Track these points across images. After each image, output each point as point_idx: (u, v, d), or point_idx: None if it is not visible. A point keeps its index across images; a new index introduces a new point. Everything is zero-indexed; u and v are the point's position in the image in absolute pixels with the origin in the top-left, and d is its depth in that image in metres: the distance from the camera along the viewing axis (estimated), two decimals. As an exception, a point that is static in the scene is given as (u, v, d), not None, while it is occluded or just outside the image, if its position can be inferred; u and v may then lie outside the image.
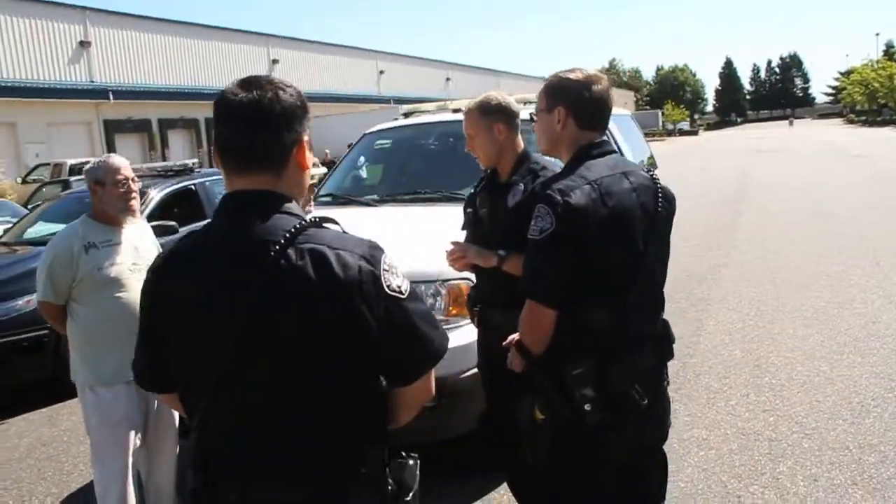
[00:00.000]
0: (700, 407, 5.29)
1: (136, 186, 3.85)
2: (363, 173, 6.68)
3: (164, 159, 33.74)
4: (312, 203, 3.37)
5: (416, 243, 4.28)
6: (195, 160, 9.64)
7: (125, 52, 34.18)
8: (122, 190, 3.77)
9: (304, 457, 1.66)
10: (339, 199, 6.00)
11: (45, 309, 3.78)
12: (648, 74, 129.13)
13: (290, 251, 1.59)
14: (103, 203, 3.85)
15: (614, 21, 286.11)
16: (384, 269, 1.63)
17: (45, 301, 3.73)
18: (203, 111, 35.83)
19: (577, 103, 2.50)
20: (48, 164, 24.60)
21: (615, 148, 2.58)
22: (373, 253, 1.65)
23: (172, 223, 7.43)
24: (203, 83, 36.87)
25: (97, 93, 32.15)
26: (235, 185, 1.68)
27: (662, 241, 2.51)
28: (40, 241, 7.35)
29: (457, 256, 3.35)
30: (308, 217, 1.67)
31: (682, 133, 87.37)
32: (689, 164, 31.51)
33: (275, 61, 41.58)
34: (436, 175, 6.06)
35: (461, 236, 3.52)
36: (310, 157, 1.77)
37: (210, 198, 8.62)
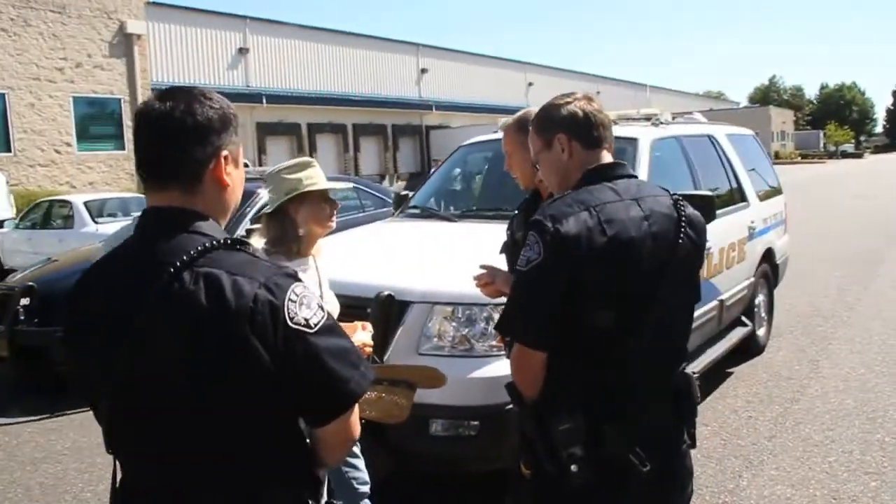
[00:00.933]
0: (792, 461, 4.77)
1: None
2: (455, 186, 6.56)
3: (356, 162, 34.99)
4: (333, 220, 3.22)
5: (476, 263, 4.08)
6: None
7: (279, 58, 35.63)
8: None
9: (196, 497, 1.56)
10: (422, 213, 5.87)
11: None
12: (811, 92, 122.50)
13: (186, 274, 1.48)
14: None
15: (776, 36, 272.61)
16: (289, 300, 1.49)
17: None
18: (351, 117, 36.82)
19: (575, 124, 2.24)
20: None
21: (629, 171, 2.27)
22: (277, 281, 1.51)
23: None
24: (352, 90, 37.90)
25: (252, 97, 33.58)
26: (150, 200, 1.61)
27: (684, 280, 2.17)
28: None
29: (484, 282, 3.11)
30: (222, 238, 1.55)
31: (845, 155, 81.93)
32: (846, 189, 29.45)
33: (423, 70, 42.20)
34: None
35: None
36: (235, 173, 1.65)
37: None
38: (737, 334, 6.40)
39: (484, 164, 6.54)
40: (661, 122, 5.97)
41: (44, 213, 13.24)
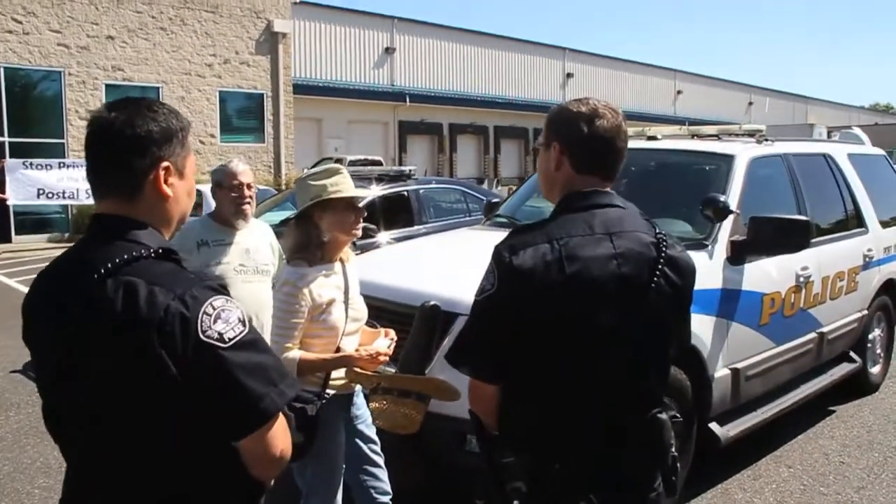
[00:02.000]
0: (878, 517, 4.34)
1: (250, 193, 3.98)
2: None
3: (451, 163, 35.35)
4: (359, 228, 3.20)
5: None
6: (413, 167, 9.84)
7: (424, 58, 36.10)
8: (234, 195, 3.98)
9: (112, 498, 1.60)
10: (507, 223, 5.74)
11: None
12: None
13: (109, 282, 1.51)
14: (220, 204, 4.05)
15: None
16: (204, 313, 1.50)
17: None
18: (492, 119, 36.89)
19: (574, 140, 2.05)
20: (330, 158, 26.61)
21: (612, 200, 2.07)
22: (195, 293, 1.51)
23: (371, 226, 7.60)
24: (495, 92, 37.93)
25: (396, 95, 34.24)
26: (96, 207, 1.66)
27: (658, 323, 1.98)
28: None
29: None
30: (156, 247, 1.58)
31: None
32: None
33: (569, 75, 41.70)
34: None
35: None
36: (179, 184, 1.68)
37: (423, 206, 8.75)
38: (840, 370, 5.91)
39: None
40: (767, 140, 5.58)
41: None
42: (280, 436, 1.60)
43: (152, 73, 19.86)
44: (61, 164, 15.07)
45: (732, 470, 4.86)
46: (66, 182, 14.79)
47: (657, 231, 2.03)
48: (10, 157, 15.75)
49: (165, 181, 1.63)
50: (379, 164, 25.00)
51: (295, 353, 3.01)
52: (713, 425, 4.54)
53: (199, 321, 1.48)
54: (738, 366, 4.65)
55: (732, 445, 4.61)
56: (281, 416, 1.61)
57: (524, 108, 37.85)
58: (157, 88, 19.98)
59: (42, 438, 5.52)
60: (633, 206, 2.11)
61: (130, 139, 1.59)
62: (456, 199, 9.49)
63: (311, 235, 3.08)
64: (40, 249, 16.89)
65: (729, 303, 4.57)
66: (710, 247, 4.59)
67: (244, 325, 1.54)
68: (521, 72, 39.61)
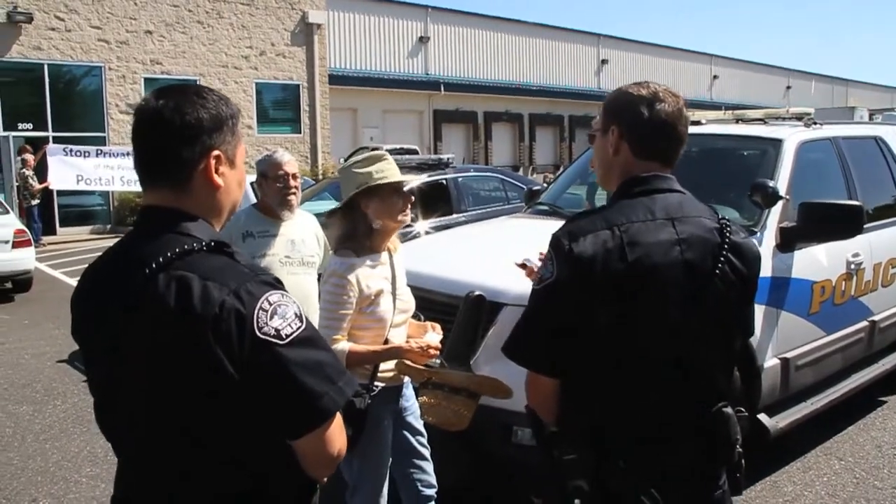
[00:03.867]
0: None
1: (296, 183, 3.96)
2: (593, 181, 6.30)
3: (486, 151, 35.24)
4: (407, 214, 3.15)
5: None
6: (451, 155, 9.79)
7: (458, 47, 35.94)
8: (279, 185, 3.95)
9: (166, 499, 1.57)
10: (548, 210, 5.68)
11: None
12: None
13: (161, 276, 1.47)
14: (265, 195, 4.04)
15: None
16: (260, 309, 1.45)
17: None
18: (528, 107, 36.69)
19: (634, 124, 1.98)
20: (366, 147, 26.61)
21: (672, 185, 2.01)
22: (250, 288, 1.46)
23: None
24: (530, 80, 37.70)
25: (430, 84, 34.15)
26: (145, 198, 1.61)
27: (723, 313, 1.91)
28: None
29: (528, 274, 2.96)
30: (208, 240, 1.53)
31: None
32: None
33: (604, 62, 41.29)
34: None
35: None
36: (230, 173, 1.63)
37: (461, 194, 8.69)
38: (892, 360, 5.74)
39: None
40: (815, 123, 5.44)
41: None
42: (338, 435, 1.56)
43: (189, 65, 20.02)
44: (98, 152, 15.22)
45: (782, 462, 4.77)
46: (102, 170, 14.92)
47: (720, 217, 1.96)
48: (54, 150, 16.00)
49: (216, 171, 1.58)
50: (415, 152, 24.87)
51: (344, 345, 2.97)
52: (762, 416, 4.44)
53: (255, 317, 1.44)
54: (788, 355, 4.54)
55: (782, 437, 4.51)
56: (338, 415, 1.56)
57: (559, 95, 37.59)
58: (195, 81, 20.15)
59: (88, 427, 5.60)
60: (690, 194, 2.05)
61: (180, 128, 1.54)
62: (494, 186, 9.41)
63: (358, 224, 3.04)
64: (83, 241, 17.17)
65: (778, 291, 4.47)
66: (758, 234, 4.48)
67: (301, 321, 1.49)
68: (555, 59, 39.30)
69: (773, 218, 4.55)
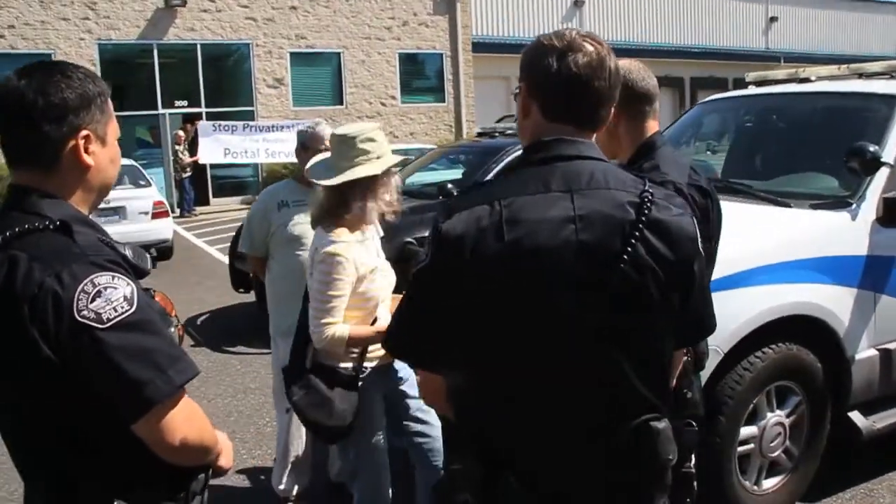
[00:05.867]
0: None
1: None
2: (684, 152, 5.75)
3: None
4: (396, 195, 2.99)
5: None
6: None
7: (616, 9, 34.84)
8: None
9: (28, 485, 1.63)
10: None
11: (250, 260, 4.16)
12: None
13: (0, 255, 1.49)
14: (304, 166, 4.00)
15: None
16: (82, 291, 1.43)
17: (247, 252, 4.07)
18: (689, 70, 35.05)
19: (540, 80, 1.66)
20: (511, 115, 26.19)
21: (588, 153, 1.65)
22: (75, 270, 1.47)
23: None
24: (691, 41, 35.97)
25: (585, 50, 33.35)
26: (12, 177, 1.63)
27: (631, 305, 1.56)
28: (416, 192, 7.73)
29: None
30: (56, 220, 1.52)
31: None
32: None
33: (773, 19, 38.69)
34: (766, 164, 4.99)
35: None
36: (101, 151, 1.64)
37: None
38: None
39: (724, 127, 5.70)
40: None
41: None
42: (179, 424, 1.53)
43: (333, 39, 20.40)
44: (245, 126, 15.78)
45: (879, 469, 4.16)
46: (248, 143, 15.49)
47: (645, 188, 1.60)
48: (206, 125, 16.82)
49: (86, 150, 1.59)
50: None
51: (343, 329, 2.85)
52: (854, 415, 3.88)
53: (75, 300, 1.42)
54: (890, 346, 3.93)
55: (879, 440, 3.93)
56: (186, 403, 1.55)
57: (722, 57, 35.56)
58: (339, 54, 20.54)
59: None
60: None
61: (43, 109, 1.53)
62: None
63: (355, 201, 2.85)
64: (234, 211, 17.95)
65: (877, 272, 3.87)
66: (854, 206, 3.90)
67: (131, 305, 1.46)
68: (718, 18, 37.20)
69: (875, 187, 3.93)
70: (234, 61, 20.07)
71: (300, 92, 20.19)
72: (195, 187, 18.02)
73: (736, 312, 3.39)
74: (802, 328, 3.63)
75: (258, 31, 19.44)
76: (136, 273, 1.63)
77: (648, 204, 1.56)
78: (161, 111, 18.39)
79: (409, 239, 3.82)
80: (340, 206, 2.87)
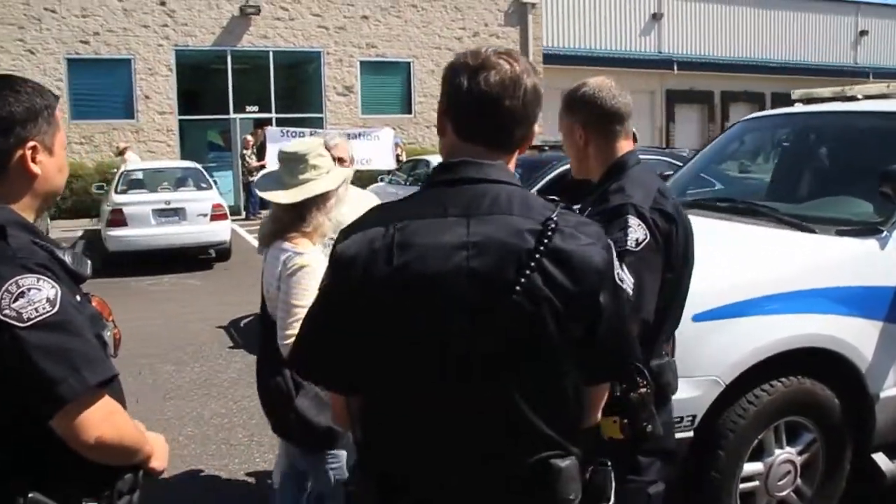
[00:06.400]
0: None
1: (343, 167, 3.93)
2: (726, 171, 5.57)
3: (722, 131, 33.26)
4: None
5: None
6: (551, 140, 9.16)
7: (695, 22, 34.15)
8: None
9: None
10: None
11: None
12: None
13: None
14: None
15: None
16: (6, 291, 1.52)
17: None
18: (770, 85, 34.07)
19: (454, 100, 1.62)
20: (304, 132, 25.85)
21: (495, 175, 1.58)
22: (2, 272, 1.54)
23: (555, 199, 7.14)
24: (772, 56, 35.01)
25: (663, 63, 32.84)
26: None
27: (527, 338, 1.49)
28: None
29: None
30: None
31: None
32: None
33: (862, 32, 37.36)
34: (803, 186, 4.78)
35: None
36: (48, 161, 1.73)
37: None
38: None
39: (762, 146, 5.48)
40: None
41: (410, 169, 14.29)
42: (95, 423, 1.59)
43: (404, 48, 20.60)
44: (312, 133, 15.97)
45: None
46: None
47: (551, 215, 1.51)
48: (276, 133, 17.18)
49: (33, 160, 1.69)
50: (632, 135, 24.12)
51: None
52: (878, 457, 3.65)
53: None
54: (921, 385, 3.68)
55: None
56: (104, 403, 1.61)
57: (805, 73, 34.41)
58: (409, 63, 20.73)
59: (209, 391, 5.91)
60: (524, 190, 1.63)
61: None
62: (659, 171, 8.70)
63: (316, 214, 2.90)
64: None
65: (906, 305, 3.63)
66: (885, 233, 3.66)
67: (53, 307, 1.54)
68: (802, 32, 36.06)
69: (909, 214, 3.70)
70: (305, 69, 20.49)
71: (369, 100, 20.45)
72: (261, 191, 18.40)
73: (739, 342, 3.23)
74: (819, 362, 3.44)
75: (329, 40, 19.78)
76: (74, 278, 1.72)
77: (549, 232, 1.48)
78: (232, 116, 18.87)
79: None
80: (297, 221, 2.90)
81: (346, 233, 1.58)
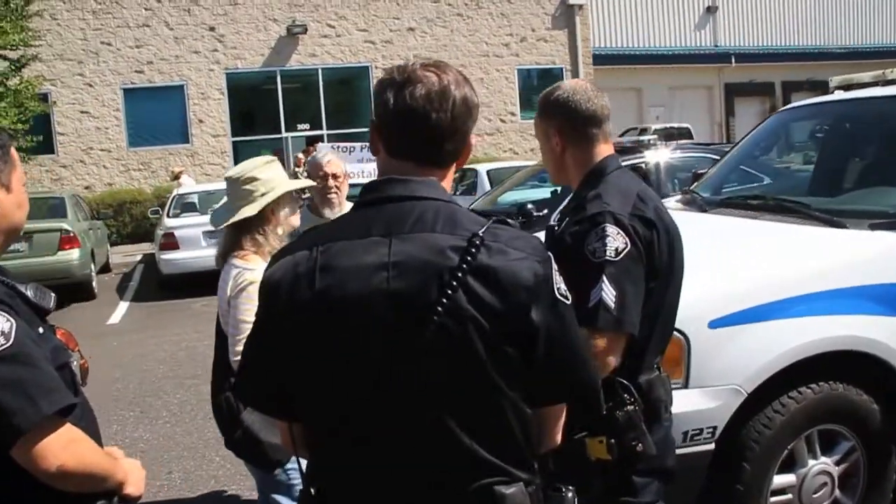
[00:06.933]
0: None
1: (336, 183, 3.97)
2: (764, 164, 5.33)
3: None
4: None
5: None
6: (653, 137, 8.92)
7: (751, 12, 33.36)
8: (320, 185, 3.91)
9: None
10: (694, 200, 4.84)
11: None
12: None
13: None
14: (313, 195, 4.07)
15: None
16: None
17: None
18: (835, 72, 32.18)
19: (382, 117, 1.57)
20: (646, 128, 25.48)
21: (421, 193, 1.50)
22: None
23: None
24: (836, 42, 33.99)
25: (720, 57, 32.17)
26: None
27: (451, 358, 1.41)
28: (500, 213, 7.62)
29: None
30: None
31: None
32: None
33: (933, 12, 35.93)
34: (839, 178, 4.55)
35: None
36: (6, 199, 1.76)
37: (661, 178, 7.94)
38: None
39: (800, 137, 5.24)
40: None
41: (459, 179, 14.21)
42: (55, 451, 1.62)
43: (451, 57, 20.54)
44: (363, 147, 15.99)
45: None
46: (364, 164, 15.71)
47: (479, 231, 1.43)
48: (327, 149, 17.34)
49: None
50: (687, 131, 23.64)
51: None
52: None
53: None
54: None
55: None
56: (65, 431, 1.64)
57: (873, 56, 33.26)
58: (457, 72, 20.72)
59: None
60: (458, 205, 1.55)
61: None
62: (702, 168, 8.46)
63: (267, 230, 2.92)
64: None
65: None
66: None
67: (7, 340, 1.58)
68: (869, 14, 34.88)
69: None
70: (353, 84, 20.68)
71: (420, 111, 20.50)
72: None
73: (762, 348, 3.05)
74: (852, 366, 3.23)
75: (377, 54, 19.92)
76: (37, 310, 1.76)
77: (474, 249, 1.40)
78: (284, 134, 19.15)
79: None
80: (237, 242, 2.93)
81: (276, 257, 1.55)
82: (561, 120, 2.27)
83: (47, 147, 17.30)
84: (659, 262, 2.13)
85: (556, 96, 2.29)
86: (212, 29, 18.54)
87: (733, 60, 32.02)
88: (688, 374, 2.99)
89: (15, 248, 10.81)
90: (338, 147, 15.87)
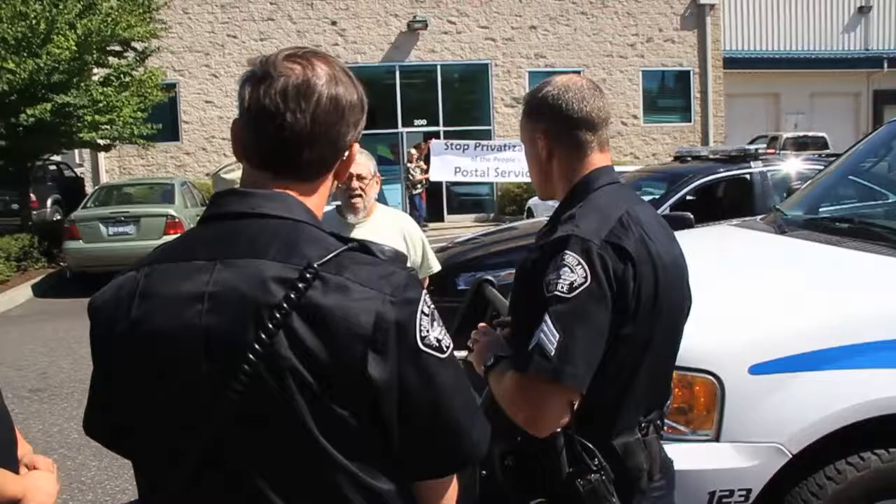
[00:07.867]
0: None
1: (361, 184, 3.71)
2: (872, 181, 4.71)
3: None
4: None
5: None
6: (757, 147, 8.23)
7: (908, 15, 31.10)
8: (343, 187, 3.69)
9: None
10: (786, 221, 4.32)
11: None
12: None
13: None
14: (339, 197, 3.89)
15: None
16: None
17: None
18: None
19: (239, 114, 1.33)
20: (765, 136, 24.08)
21: (267, 209, 1.24)
22: None
23: (686, 214, 6.50)
24: None
25: (870, 61, 30.16)
26: None
27: (265, 417, 1.15)
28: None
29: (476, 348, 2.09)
30: None
31: None
32: None
33: None
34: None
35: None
36: None
37: (767, 190, 7.32)
38: None
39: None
40: None
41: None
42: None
43: (573, 57, 20.10)
44: (477, 145, 15.78)
45: None
46: (479, 162, 15.45)
47: (314, 262, 1.16)
48: (445, 145, 17.21)
49: None
50: (822, 141, 22.18)
51: None
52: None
53: None
54: None
55: None
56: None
57: None
58: (579, 72, 20.14)
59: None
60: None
61: None
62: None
63: None
64: (465, 228, 18.17)
65: None
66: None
67: None
68: None
69: None
70: (472, 81, 20.52)
71: (538, 111, 20.17)
72: (430, 203, 18.51)
73: (814, 403, 2.61)
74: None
75: (497, 51, 19.68)
76: None
77: (303, 284, 1.13)
78: (401, 129, 19.21)
79: (489, 277, 3.39)
80: None
81: (117, 276, 1.32)
82: (548, 122, 1.90)
83: (173, 134, 18.05)
84: (633, 303, 1.73)
85: (543, 94, 1.91)
86: (333, 23, 18.79)
87: (885, 65, 29.95)
88: (720, 426, 2.60)
89: (124, 232, 11.27)
90: (451, 145, 15.74)
